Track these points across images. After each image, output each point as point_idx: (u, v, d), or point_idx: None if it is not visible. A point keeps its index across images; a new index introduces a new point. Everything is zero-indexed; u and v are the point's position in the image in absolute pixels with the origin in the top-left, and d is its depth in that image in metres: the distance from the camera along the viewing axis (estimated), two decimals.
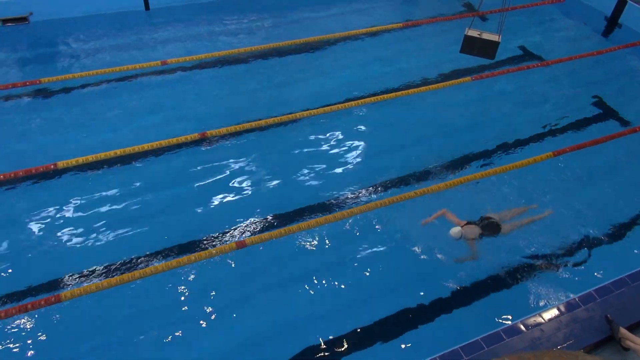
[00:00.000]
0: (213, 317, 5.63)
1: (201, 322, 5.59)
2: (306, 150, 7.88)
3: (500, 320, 5.66)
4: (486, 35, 6.80)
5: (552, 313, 5.37)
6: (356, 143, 8.08)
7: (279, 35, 10.32)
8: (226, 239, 6.42)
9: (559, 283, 6.14)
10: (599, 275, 6.20)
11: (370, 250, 6.37)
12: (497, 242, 6.41)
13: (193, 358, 5.33)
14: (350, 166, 7.65)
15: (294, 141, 8.04)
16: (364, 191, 7.21)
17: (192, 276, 5.95)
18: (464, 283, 6.07)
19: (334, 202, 7.02)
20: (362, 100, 8.60)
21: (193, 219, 6.68)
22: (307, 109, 8.29)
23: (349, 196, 7.11)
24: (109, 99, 8.50)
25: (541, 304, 5.81)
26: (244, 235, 6.48)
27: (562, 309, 5.42)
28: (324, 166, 7.60)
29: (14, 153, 7.36)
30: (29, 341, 5.28)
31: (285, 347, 5.40)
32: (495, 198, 7.12)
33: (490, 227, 6.31)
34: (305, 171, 7.51)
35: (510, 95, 9.40)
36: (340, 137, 8.16)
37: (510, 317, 5.66)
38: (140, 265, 6.01)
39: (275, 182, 7.29)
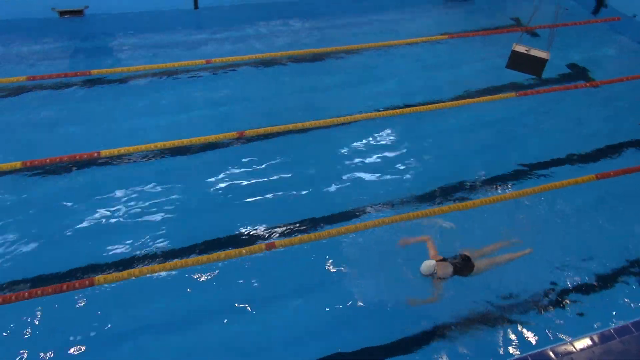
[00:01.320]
0: (234, 315, 5.69)
1: (224, 319, 5.66)
2: (342, 156, 7.88)
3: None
4: (534, 52, 6.65)
5: (585, 343, 5.16)
6: (390, 153, 7.99)
7: (322, 41, 10.37)
8: (257, 239, 6.46)
9: (594, 313, 5.90)
10: (636, 308, 5.93)
11: (396, 262, 6.26)
12: (531, 266, 6.19)
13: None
14: (383, 175, 7.58)
15: (331, 146, 8.06)
16: (397, 201, 7.13)
17: (221, 273, 6.02)
18: (493, 309, 5.90)
19: (368, 210, 6.96)
20: (400, 110, 8.54)
21: (225, 217, 6.76)
22: (345, 115, 8.28)
23: (382, 205, 7.04)
24: (154, 94, 8.73)
25: (573, 334, 5.58)
26: (274, 237, 6.50)
27: (596, 339, 5.19)
28: (360, 173, 7.56)
29: (61, 139, 7.65)
30: (61, 321, 5.46)
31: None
32: (524, 221, 6.91)
33: (463, 267, 5.82)
34: (342, 177, 7.48)
35: (555, 114, 9.12)
36: (376, 145, 8.11)
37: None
38: (170, 258, 6.12)
39: (309, 186, 7.29)
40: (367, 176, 7.52)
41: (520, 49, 6.65)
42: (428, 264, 5.60)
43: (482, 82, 9.51)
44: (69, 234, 6.39)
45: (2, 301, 5.39)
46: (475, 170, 7.73)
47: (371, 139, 8.23)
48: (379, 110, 8.58)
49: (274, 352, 5.41)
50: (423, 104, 8.76)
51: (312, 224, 6.71)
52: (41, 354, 5.16)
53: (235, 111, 8.52)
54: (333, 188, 7.31)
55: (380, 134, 8.34)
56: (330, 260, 6.24)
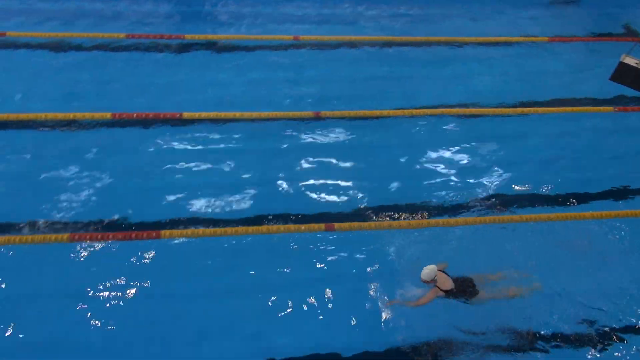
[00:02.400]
0: (279, 288, 5.77)
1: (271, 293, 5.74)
2: (415, 149, 7.69)
3: None
4: None
5: None
6: (458, 153, 7.69)
7: (410, 30, 10.04)
8: (317, 218, 6.48)
9: None
10: None
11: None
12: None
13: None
14: (452, 173, 7.34)
15: (403, 137, 7.88)
16: (458, 202, 6.91)
17: (276, 244, 6.15)
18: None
19: (431, 206, 6.80)
20: (479, 110, 8.18)
21: (288, 192, 6.85)
22: (424, 108, 8.07)
23: (448, 203, 6.87)
24: (240, 64, 8.90)
25: None
26: (334, 218, 6.49)
27: None
28: (429, 168, 7.40)
29: (149, 96, 8.03)
30: (126, 264, 5.81)
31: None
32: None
33: (465, 290, 5.44)
34: (411, 169, 7.35)
35: None
36: (445, 143, 7.82)
37: None
38: (232, 224, 6.31)
39: (378, 175, 7.21)
40: (432, 174, 7.33)
41: (630, 61, 6.06)
42: (430, 268, 5.30)
43: (578, 92, 8.84)
44: (141, 185, 6.75)
45: (79, 239, 5.85)
46: (542, 183, 7.26)
47: (443, 135, 7.95)
48: (457, 107, 8.28)
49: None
50: (506, 107, 8.34)
51: (374, 213, 6.64)
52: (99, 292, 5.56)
53: (314, 90, 8.51)
54: (398, 180, 7.17)
55: (454, 132, 8.02)
56: (384, 252, 6.15)
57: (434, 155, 7.60)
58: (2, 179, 6.64)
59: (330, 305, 5.64)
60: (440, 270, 5.46)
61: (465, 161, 7.57)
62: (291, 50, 9.34)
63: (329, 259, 6.08)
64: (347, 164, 7.31)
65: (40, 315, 5.38)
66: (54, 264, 5.78)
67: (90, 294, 5.53)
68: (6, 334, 5.17)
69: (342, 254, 6.13)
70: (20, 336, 5.18)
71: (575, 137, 8.15)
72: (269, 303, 5.63)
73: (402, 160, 7.50)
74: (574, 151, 7.90)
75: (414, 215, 6.65)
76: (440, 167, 7.43)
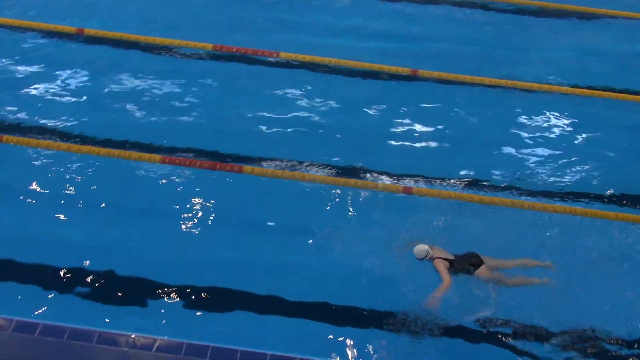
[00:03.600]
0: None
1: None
2: (506, 123, 7.28)
3: None
4: None
5: None
6: (555, 136, 7.13)
7: None
8: (396, 180, 6.36)
9: None
10: None
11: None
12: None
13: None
14: (535, 156, 6.86)
15: (501, 109, 7.46)
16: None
17: (349, 199, 6.10)
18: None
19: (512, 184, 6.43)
20: (592, 92, 7.45)
21: (370, 150, 6.77)
22: (528, 81, 7.54)
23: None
24: (343, 13, 8.79)
25: None
26: (413, 182, 6.35)
27: None
28: (517, 149, 6.94)
29: (251, 33, 8.15)
30: (203, 192, 6.04)
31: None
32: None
33: (465, 260, 5.11)
34: (506, 144, 6.97)
35: None
36: (548, 122, 7.29)
37: None
38: (311, 170, 6.36)
39: (468, 146, 6.92)
40: (520, 152, 6.91)
41: None
42: (421, 248, 5.08)
43: None
44: (227, 120, 6.96)
45: (169, 162, 6.21)
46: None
47: (546, 115, 7.39)
48: (569, 86, 7.65)
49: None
50: (612, 90, 7.53)
51: (456, 182, 6.42)
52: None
53: (416, 48, 8.21)
54: (491, 156, 6.85)
55: (559, 112, 7.43)
56: (457, 225, 5.87)
57: (529, 133, 7.12)
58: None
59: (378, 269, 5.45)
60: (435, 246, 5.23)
61: (556, 141, 7.05)
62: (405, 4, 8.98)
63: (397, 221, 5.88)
64: (437, 129, 7.07)
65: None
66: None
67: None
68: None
69: (413, 219, 5.94)
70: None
71: None
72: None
73: (491, 132, 7.15)
74: None
75: (488, 191, 6.31)
76: (535, 146, 6.96)
